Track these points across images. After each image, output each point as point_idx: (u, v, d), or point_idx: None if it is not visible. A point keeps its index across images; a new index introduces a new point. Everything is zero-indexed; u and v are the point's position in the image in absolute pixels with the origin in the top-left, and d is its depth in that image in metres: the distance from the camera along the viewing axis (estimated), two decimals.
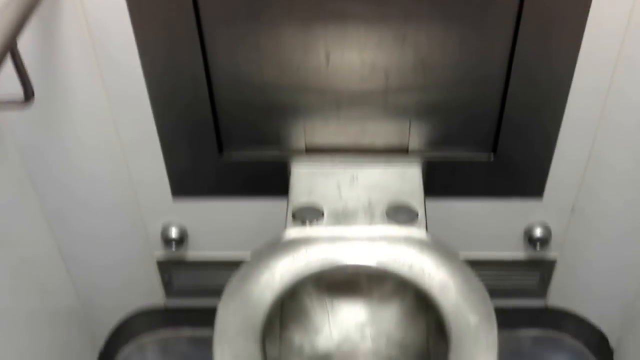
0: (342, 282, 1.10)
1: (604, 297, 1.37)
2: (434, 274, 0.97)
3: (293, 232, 1.04)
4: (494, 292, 1.36)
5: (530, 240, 1.27)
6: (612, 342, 1.40)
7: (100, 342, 1.42)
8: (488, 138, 1.14)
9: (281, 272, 0.98)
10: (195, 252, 1.33)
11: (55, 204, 1.18)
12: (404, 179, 1.11)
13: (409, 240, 1.02)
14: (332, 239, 1.03)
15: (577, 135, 1.12)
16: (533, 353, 1.46)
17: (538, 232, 1.25)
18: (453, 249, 1.02)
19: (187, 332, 1.50)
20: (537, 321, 1.47)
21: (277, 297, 0.96)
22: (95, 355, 1.40)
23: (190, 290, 1.41)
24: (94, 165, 1.16)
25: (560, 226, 1.26)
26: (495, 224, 1.27)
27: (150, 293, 1.42)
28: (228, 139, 1.15)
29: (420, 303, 1.06)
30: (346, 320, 1.12)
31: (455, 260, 0.99)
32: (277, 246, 1.02)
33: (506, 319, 1.44)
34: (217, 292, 0.97)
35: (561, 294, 1.40)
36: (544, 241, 1.25)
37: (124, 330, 1.46)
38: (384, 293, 1.10)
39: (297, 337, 1.09)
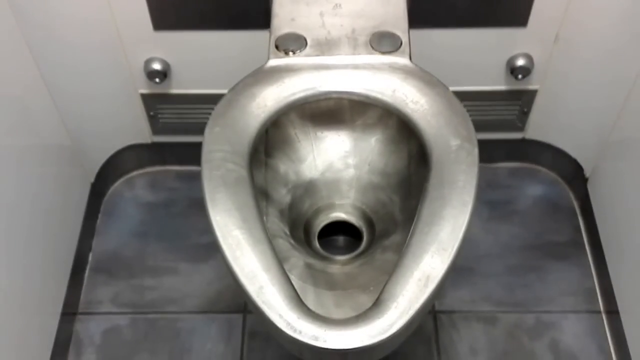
0: (326, 112, 1.11)
1: (582, 129, 1.40)
2: (417, 99, 0.98)
3: (276, 61, 1.04)
4: (474, 126, 1.39)
5: (512, 71, 1.27)
6: (587, 171, 1.45)
7: (91, 178, 1.45)
8: None
9: (265, 100, 0.99)
10: (179, 88, 1.33)
11: (38, 42, 1.17)
12: (389, 6, 1.10)
13: (392, 68, 1.02)
14: (316, 68, 1.03)
15: None
16: (509, 184, 1.52)
17: (521, 62, 1.26)
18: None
19: (174, 167, 1.54)
20: (514, 153, 1.51)
21: (262, 125, 0.98)
22: (87, 189, 1.44)
23: (176, 128, 1.42)
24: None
25: (543, 56, 1.26)
26: (478, 55, 1.27)
27: (138, 131, 1.43)
28: None
29: (402, 131, 1.08)
30: (330, 150, 1.14)
31: (439, 86, 1.00)
32: (260, 75, 1.02)
33: (484, 152, 1.48)
34: (203, 129, 0.97)
35: (540, 127, 1.43)
36: (526, 71, 1.26)
37: (113, 167, 1.49)
38: (367, 122, 1.12)
39: (282, 166, 1.12)
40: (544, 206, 1.49)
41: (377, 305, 0.79)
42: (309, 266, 1.03)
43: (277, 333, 0.78)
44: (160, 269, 1.39)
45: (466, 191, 0.88)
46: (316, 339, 0.76)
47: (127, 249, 1.42)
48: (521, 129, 1.44)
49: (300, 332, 0.76)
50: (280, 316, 0.78)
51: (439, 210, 0.86)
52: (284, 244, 1.05)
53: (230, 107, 0.98)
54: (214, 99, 1.00)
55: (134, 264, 1.40)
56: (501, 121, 1.42)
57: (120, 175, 1.52)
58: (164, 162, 1.53)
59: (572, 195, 1.50)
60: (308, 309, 0.79)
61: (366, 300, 0.86)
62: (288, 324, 0.77)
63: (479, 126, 1.39)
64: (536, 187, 1.52)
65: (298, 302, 0.79)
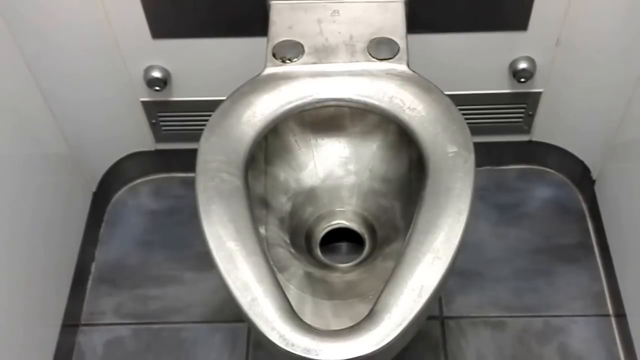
0: (325, 119, 1.10)
1: (588, 130, 1.39)
2: (414, 106, 0.97)
3: (273, 69, 1.03)
4: (480, 129, 1.38)
5: (515, 74, 1.26)
6: (594, 173, 1.43)
7: (93, 187, 1.45)
8: None
9: (262, 108, 0.99)
10: (180, 96, 1.33)
11: (33, 50, 1.17)
12: (387, 13, 1.09)
13: (390, 74, 1.01)
14: (313, 75, 1.02)
15: None
16: (518, 186, 1.50)
17: (523, 65, 1.24)
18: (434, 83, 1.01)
19: (178, 174, 1.53)
20: (521, 156, 1.50)
21: (258, 133, 0.97)
22: (89, 198, 1.44)
23: (179, 135, 1.42)
24: (68, 7, 1.14)
25: (546, 59, 1.25)
26: (480, 59, 1.25)
27: (140, 139, 1.43)
28: None
29: (402, 137, 1.07)
30: (330, 157, 1.13)
31: (436, 92, 0.99)
32: (257, 83, 1.01)
33: (492, 155, 1.47)
34: None
35: (545, 129, 1.42)
36: (529, 74, 1.25)
37: (116, 175, 1.49)
38: (367, 129, 1.11)
39: (283, 174, 1.11)
40: (552, 208, 1.47)
41: (370, 317, 0.78)
42: (308, 275, 1.03)
43: (270, 345, 0.77)
44: (164, 278, 1.39)
45: (462, 199, 0.87)
46: (308, 351, 0.75)
47: (130, 258, 1.42)
48: (527, 131, 1.43)
49: (292, 345, 0.76)
50: (273, 329, 0.77)
51: (435, 219, 0.85)
52: (284, 252, 1.05)
53: (226, 116, 0.98)
54: (216, 105, 1.00)
55: (138, 274, 1.40)
56: (508, 124, 1.40)
57: (124, 184, 1.52)
58: (168, 169, 1.53)
59: (580, 197, 1.48)
60: (301, 320, 0.78)
61: (365, 310, 0.85)
62: (280, 336, 0.77)
63: (486, 129, 1.39)
64: (544, 189, 1.50)
65: (291, 314, 0.79)
